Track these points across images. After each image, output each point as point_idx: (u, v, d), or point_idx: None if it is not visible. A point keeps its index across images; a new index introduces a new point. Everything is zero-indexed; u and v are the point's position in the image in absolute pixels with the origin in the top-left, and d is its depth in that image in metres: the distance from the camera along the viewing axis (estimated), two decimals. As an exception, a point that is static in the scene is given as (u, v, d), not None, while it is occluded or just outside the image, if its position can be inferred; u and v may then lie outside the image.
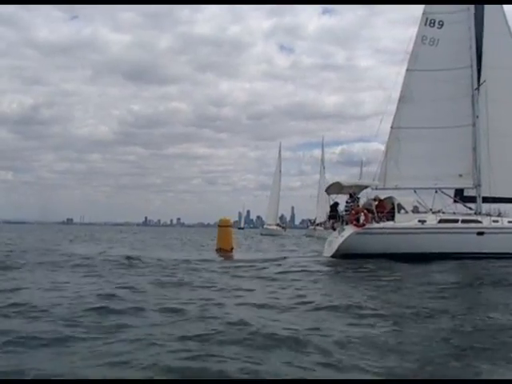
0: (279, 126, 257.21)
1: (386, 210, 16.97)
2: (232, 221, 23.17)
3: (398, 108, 17.96)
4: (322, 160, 68.56)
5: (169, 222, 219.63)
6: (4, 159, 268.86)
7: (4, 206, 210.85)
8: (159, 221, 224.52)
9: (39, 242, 26.16)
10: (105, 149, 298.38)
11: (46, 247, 20.26)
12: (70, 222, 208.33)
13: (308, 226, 66.86)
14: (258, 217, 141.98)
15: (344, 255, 15.79)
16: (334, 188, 17.93)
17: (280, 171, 68.49)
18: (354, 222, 16.40)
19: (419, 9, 18.25)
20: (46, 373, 3.80)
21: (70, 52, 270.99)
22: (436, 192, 17.78)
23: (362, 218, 16.47)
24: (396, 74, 17.97)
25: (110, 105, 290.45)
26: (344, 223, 16.94)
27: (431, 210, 17.36)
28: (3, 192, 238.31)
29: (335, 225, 17.47)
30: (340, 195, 18.13)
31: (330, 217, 17.72)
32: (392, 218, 16.82)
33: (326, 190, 17.95)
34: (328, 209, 17.72)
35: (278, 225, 66.09)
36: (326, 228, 66.40)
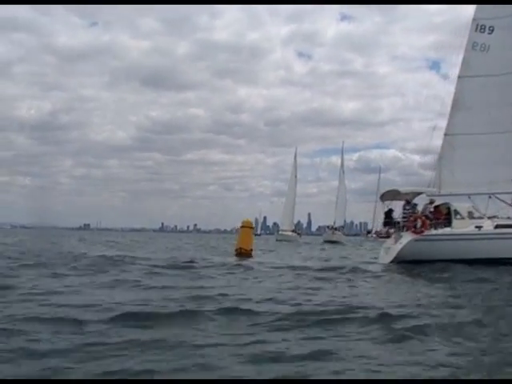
0: (296, 132, 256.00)
1: (442, 215, 17.05)
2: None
3: (450, 115, 18.06)
4: (342, 166, 68.57)
5: (185, 228, 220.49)
6: (22, 164, 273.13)
7: (21, 211, 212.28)
8: (176, 226, 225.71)
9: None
10: (122, 154, 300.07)
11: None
12: (86, 227, 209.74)
13: (326, 231, 66.80)
14: (275, 223, 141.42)
15: (402, 262, 15.91)
16: (390, 194, 18.05)
17: (296, 177, 67.55)
18: (412, 229, 16.50)
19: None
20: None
21: (89, 58, 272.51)
22: (490, 197, 17.79)
23: (419, 224, 16.53)
24: (413, 81, 18.11)
25: (127, 111, 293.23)
26: (401, 230, 17.05)
27: (484, 214, 17.40)
28: (20, 197, 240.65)
29: (390, 231, 17.60)
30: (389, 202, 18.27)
31: (385, 223, 17.85)
32: (448, 224, 16.89)
33: (381, 197, 18.08)
34: (382, 215, 17.83)
35: (293, 231, 65.87)
36: (344, 233, 67.11)
